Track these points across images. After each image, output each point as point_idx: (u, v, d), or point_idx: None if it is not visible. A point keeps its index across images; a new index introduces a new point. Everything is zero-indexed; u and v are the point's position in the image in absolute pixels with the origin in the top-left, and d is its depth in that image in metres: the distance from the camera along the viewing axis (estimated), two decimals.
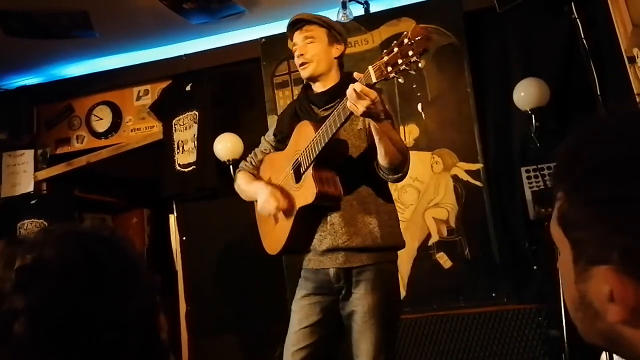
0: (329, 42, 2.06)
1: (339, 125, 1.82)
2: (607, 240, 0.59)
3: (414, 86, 3.23)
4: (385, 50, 1.66)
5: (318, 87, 2.09)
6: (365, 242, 1.96)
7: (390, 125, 1.83)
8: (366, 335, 1.93)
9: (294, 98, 3.38)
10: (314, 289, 2.04)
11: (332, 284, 2.00)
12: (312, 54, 2.03)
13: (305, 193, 1.94)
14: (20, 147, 4.04)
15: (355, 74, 1.75)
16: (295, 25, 2.08)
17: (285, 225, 2.04)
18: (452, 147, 3.14)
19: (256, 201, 2.14)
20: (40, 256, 0.68)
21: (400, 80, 1.71)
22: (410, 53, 1.59)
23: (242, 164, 2.32)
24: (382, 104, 1.75)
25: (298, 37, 2.07)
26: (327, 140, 1.85)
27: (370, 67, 1.68)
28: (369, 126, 1.85)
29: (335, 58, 2.07)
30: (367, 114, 1.71)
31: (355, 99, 1.68)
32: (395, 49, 1.62)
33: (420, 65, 1.62)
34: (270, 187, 2.09)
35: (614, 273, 0.58)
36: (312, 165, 1.92)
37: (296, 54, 2.07)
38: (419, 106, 3.22)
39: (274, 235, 2.12)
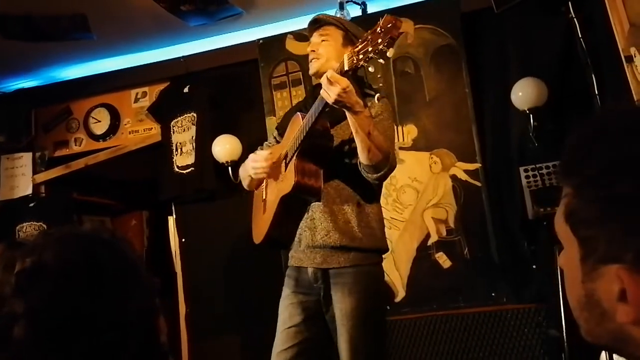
0: (343, 43, 2.08)
1: (317, 115, 1.83)
2: (621, 239, 0.57)
3: (412, 87, 3.24)
4: (360, 39, 1.70)
5: None
6: (343, 240, 1.95)
7: (369, 120, 1.83)
8: (343, 338, 1.92)
9: (292, 99, 3.41)
10: (296, 287, 2.04)
11: (311, 283, 2.00)
12: (323, 52, 2.06)
13: (287, 183, 1.95)
14: (19, 150, 4.04)
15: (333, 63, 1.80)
16: (314, 24, 2.12)
17: (269, 215, 2.05)
18: (451, 147, 3.14)
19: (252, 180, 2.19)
20: (40, 259, 0.68)
21: (370, 69, 1.73)
22: (379, 41, 1.62)
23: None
24: (355, 95, 1.76)
25: (315, 36, 2.11)
26: (307, 130, 1.87)
27: (345, 55, 1.73)
28: None
29: None
30: (338, 102, 1.73)
31: (327, 86, 1.71)
32: (368, 38, 1.66)
33: (388, 54, 1.65)
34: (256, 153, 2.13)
35: (627, 272, 0.57)
36: (295, 156, 1.93)
37: (308, 49, 2.11)
38: (417, 107, 3.23)
39: (260, 225, 2.14)
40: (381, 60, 1.68)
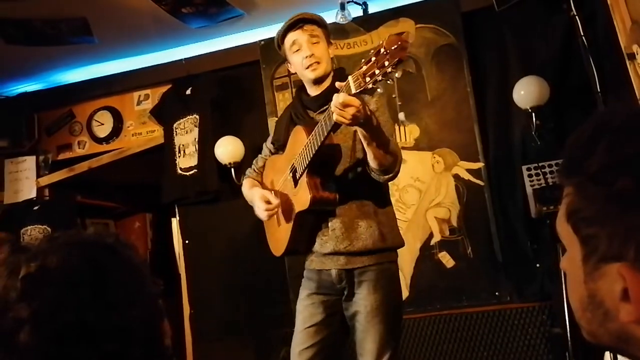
0: (327, 42, 2.07)
1: (325, 134, 1.81)
2: (622, 236, 0.56)
3: (414, 86, 3.24)
4: (363, 60, 1.61)
5: (315, 90, 2.08)
6: (367, 245, 1.97)
7: (379, 129, 1.81)
8: (370, 334, 1.95)
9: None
10: (317, 288, 2.06)
11: (334, 284, 2.02)
12: (320, 54, 2.02)
13: (302, 198, 1.96)
14: (22, 154, 4.05)
15: (337, 84, 1.72)
16: (297, 24, 2.05)
17: (286, 228, 2.07)
18: (453, 146, 3.14)
19: None
20: (44, 264, 0.69)
21: (379, 90, 1.70)
22: (386, 63, 1.53)
23: (247, 171, 2.36)
24: (365, 110, 1.72)
25: (301, 36, 2.02)
26: (316, 148, 1.85)
27: (350, 78, 1.64)
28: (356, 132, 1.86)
29: (330, 58, 2.09)
30: (354, 123, 1.70)
31: (341, 109, 1.66)
32: (373, 59, 1.57)
33: (397, 75, 1.58)
34: (261, 191, 2.11)
35: (629, 270, 0.56)
36: (306, 171, 1.93)
37: (302, 54, 2.02)
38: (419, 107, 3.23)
39: (277, 237, 2.15)
40: (390, 82, 1.63)
